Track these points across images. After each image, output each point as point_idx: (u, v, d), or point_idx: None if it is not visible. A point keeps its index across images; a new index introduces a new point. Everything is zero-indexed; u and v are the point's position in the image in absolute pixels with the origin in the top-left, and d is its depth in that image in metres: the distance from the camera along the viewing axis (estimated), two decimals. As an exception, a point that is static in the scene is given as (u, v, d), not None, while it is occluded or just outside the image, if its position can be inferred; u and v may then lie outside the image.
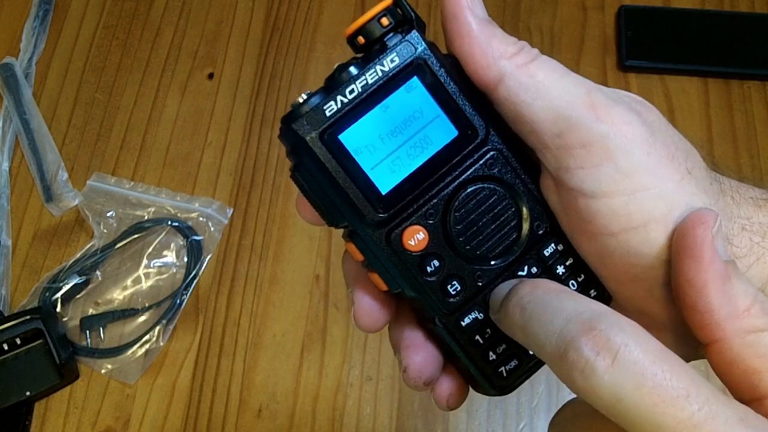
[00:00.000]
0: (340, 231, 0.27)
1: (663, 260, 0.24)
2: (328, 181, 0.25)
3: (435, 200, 0.27)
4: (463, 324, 0.27)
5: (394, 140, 0.26)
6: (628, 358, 0.19)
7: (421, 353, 0.28)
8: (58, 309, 0.64)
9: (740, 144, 0.71)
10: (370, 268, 0.27)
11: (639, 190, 0.24)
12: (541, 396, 0.61)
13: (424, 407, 0.61)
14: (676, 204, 0.24)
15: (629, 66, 0.74)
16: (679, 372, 0.19)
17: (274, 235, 0.68)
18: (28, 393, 0.60)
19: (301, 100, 0.25)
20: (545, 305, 0.22)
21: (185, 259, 0.66)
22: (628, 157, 0.24)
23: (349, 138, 0.25)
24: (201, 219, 0.68)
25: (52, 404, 0.62)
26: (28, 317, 0.60)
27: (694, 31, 0.75)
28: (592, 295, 0.28)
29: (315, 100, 0.25)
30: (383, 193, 0.26)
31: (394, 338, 0.29)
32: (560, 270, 0.28)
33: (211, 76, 0.75)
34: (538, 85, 0.25)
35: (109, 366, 0.63)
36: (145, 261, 0.67)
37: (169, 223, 0.67)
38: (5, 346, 0.60)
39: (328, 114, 0.25)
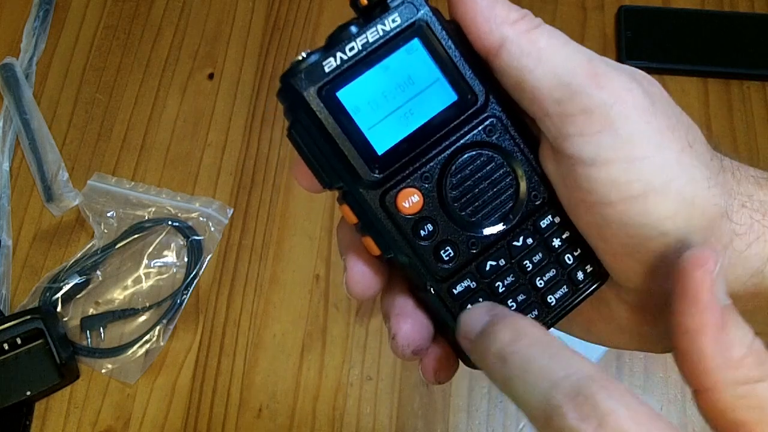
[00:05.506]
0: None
1: (661, 231, 0.24)
2: (324, 138, 0.25)
3: (431, 164, 0.26)
4: (456, 292, 0.27)
5: (392, 101, 0.25)
6: (614, 426, 0.18)
7: (411, 321, 0.28)
8: (59, 309, 0.64)
9: (740, 144, 0.71)
10: (363, 231, 0.27)
11: (638, 158, 0.24)
12: (541, 396, 0.61)
13: (424, 407, 0.61)
14: (675, 174, 0.24)
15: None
16: None
17: (274, 235, 0.68)
18: (28, 393, 0.60)
19: (300, 58, 0.25)
20: (530, 362, 0.21)
21: (185, 259, 0.66)
22: (629, 124, 0.24)
23: (347, 95, 0.25)
24: (201, 219, 0.68)
25: (52, 404, 0.62)
26: (28, 317, 0.60)
27: (693, 32, 0.75)
28: (588, 270, 0.28)
29: (314, 56, 0.24)
30: (379, 154, 0.25)
31: (385, 306, 0.29)
32: (556, 243, 0.27)
33: (211, 76, 0.75)
34: (540, 51, 0.24)
35: (110, 366, 0.63)
36: (145, 261, 0.67)
37: (170, 223, 0.68)
38: (6, 346, 0.60)
39: (327, 70, 0.24)
